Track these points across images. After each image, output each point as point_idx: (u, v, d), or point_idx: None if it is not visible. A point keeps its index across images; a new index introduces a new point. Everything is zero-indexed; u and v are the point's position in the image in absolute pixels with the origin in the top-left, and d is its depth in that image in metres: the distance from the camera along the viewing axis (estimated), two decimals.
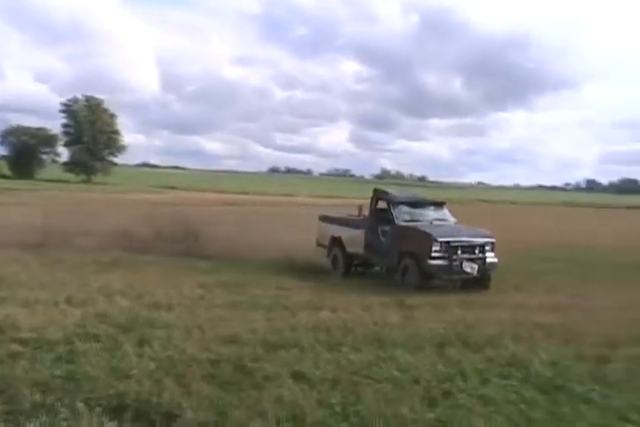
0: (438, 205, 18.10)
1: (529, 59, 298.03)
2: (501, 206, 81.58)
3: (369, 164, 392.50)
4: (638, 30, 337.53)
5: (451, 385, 7.00)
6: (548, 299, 13.33)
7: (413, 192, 20.81)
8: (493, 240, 16.04)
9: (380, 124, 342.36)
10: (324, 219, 19.91)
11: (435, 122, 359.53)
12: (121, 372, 7.11)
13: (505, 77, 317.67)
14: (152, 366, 7.36)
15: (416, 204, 17.85)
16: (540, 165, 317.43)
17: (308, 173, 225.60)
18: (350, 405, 6.27)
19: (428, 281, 15.59)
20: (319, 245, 19.63)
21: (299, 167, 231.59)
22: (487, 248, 15.86)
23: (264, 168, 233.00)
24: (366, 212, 18.51)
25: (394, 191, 18.77)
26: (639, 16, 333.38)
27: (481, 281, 15.75)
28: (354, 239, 17.83)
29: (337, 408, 6.16)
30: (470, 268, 15.38)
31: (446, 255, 15.27)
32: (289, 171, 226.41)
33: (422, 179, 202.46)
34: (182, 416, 5.85)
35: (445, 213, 17.75)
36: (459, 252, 15.42)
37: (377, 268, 18.36)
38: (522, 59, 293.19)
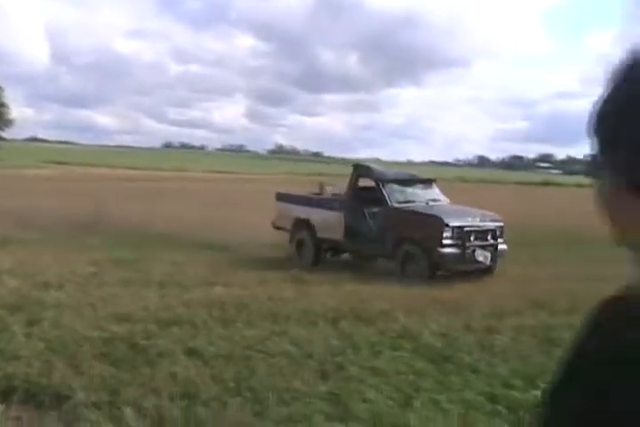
0: (428, 182, 16.36)
1: (421, 37, 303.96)
2: None
3: (264, 139, 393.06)
4: (526, 10, 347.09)
5: (343, 358, 7.10)
6: (440, 273, 13.69)
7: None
8: (503, 224, 14.77)
9: (275, 99, 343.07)
10: (284, 198, 17.42)
11: (329, 97, 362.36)
12: (8, 353, 6.89)
13: (398, 55, 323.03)
14: (41, 346, 7.17)
15: (407, 182, 15.84)
16: (433, 141, 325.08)
17: (203, 148, 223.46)
18: (244, 380, 6.28)
19: (436, 271, 13.93)
20: (278, 228, 17.28)
21: (193, 143, 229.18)
22: (498, 233, 14.51)
23: (158, 143, 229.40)
24: (331, 190, 17.01)
25: (379, 167, 16.88)
26: None
27: (487, 269, 14.29)
28: (328, 222, 15.62)
29: (231, 384, 6.17)
30: (483, 256, 13.88)
31: (459, 242, 13.64)
32: (183, 146, 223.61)
33: (317, 154, 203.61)
34: (73, 397, 5.74)
35: (437, 192, 16.08)
36: (471, 238, 13.87)
37: (347, 255, 16.68)
38: (414, 37, 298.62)
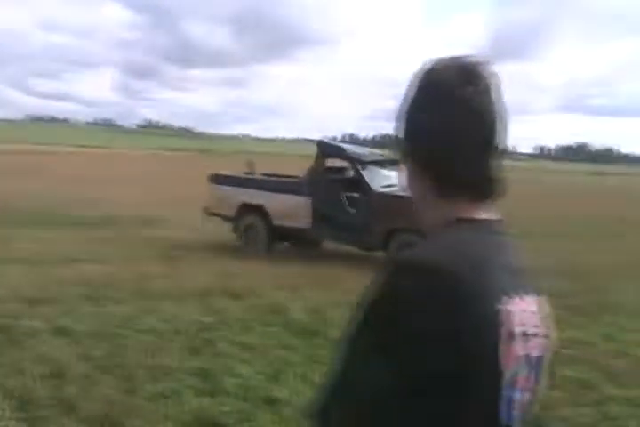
0: (397, 164, 12.93)
1: (293, 13, 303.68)
2: (268, 158, 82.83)
3: (133, 113, 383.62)
4: None
5: (213, 334, 7.21)
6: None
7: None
8: None
9: (145, 73, 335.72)
10: (222, 180, 15.11)
11: (201, 73, 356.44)
12: None
13: (270, 31, 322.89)
14: None
15: (383, 163, 13.86)
16: (303, 118, 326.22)
17: (70, 121, 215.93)
18: (113, 357, 6.28)
19: None
20: (212, 214, 15.10)
21: (60, 116, 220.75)
22: None
23: (22, 116, 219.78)
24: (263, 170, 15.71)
25: (350, 146, 15.05)
26: None
27: None
28: (287, 209, 13.77)
29: (100, 361, 6.16)
30: None
31: None
32: (51, 119, 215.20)
33: (188, 130, 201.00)
34: None
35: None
36: None
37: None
38: (287, 13, 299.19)
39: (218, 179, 15.05)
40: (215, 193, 14.97)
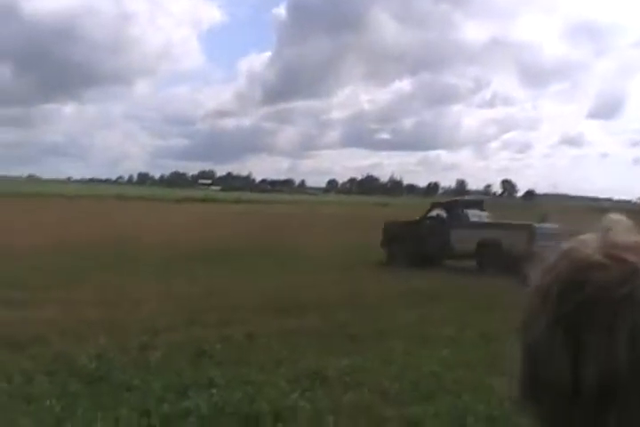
0: None
1: (81, 51, 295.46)
2: (55, 201, 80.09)
3: None
4: (184, 30, 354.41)
5: None
6: (95, 295, 13.61)
7: None
8: None
9: None
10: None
11: None
12: None
13: (57, 68, 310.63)
14: None
15: None
16: (93, 158, 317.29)
17: None
18: None
19: None
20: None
21: None
22: None
23: None
24: None
25: None
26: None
27: None
28: None
29: None
30: None
31: None
32: None
33: None
34: None
35: None
36: None
37: None
38: (73, 50, 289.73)
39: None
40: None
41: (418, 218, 24.02)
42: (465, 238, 21.64)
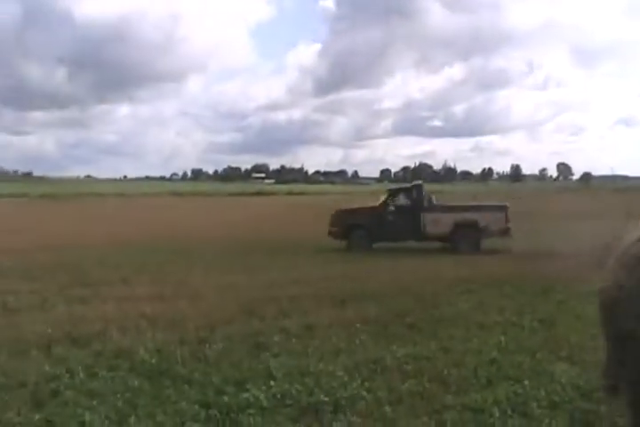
0: None
1: (132, 51, 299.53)
2: (112, 199, 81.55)
3: None
4: (234, 25, 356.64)
5: (58, 384, 7.09)
6: (154, 289, 13.81)
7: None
8: None
9: None
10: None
11: (38, 114, 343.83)
12: None
13: (109, 70, 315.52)
14: None
15: None
16: (147, 156, 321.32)
17: None
18: None
19: None
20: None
21: None
22: None
23: None
24: None
25: None
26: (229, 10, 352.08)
27: None
28: None
29: None
30: None
31: None
32: None
33: (28, 174, 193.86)
34: None
35: None
36: None
37: None
38: (125, 51, 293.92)
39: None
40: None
41: (378, 204, 24.92)
42: (439, 221, 23.59)
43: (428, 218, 23.70)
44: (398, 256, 20.82)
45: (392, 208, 24.13)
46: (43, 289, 14.10)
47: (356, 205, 26.58)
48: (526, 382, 6.90)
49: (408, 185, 26.95)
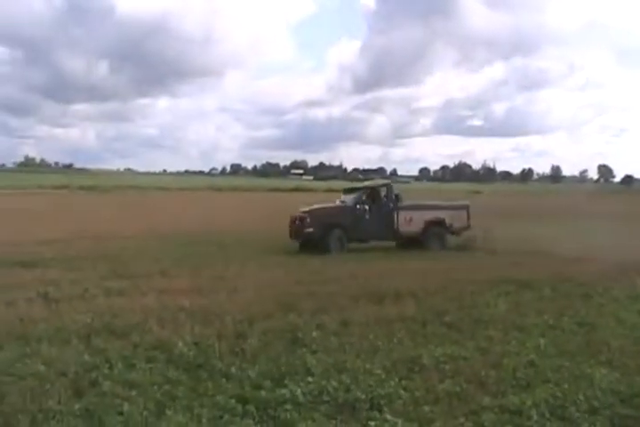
0: None
1: (172, 45, 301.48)
2: (151, 192, 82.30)
3: (11, 152, 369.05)
4: (275, 21, 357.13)
5: (97, 374, 7.18)
6: (192, 282, 13.90)
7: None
8: None
9: (21, 109, 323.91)
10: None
11: (80, 107, 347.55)
12: None
13: (150, 64, 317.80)
14: None
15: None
16: (186, 150, 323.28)
17: None
18: None
19: None
20: None
21: None
22: None
23: None
24: None
25: None
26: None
27: None
28: None
29: None
30: None
31: None
32: None
33: (69, 166, 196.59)
34: None
35: None
36: None
37: None
38: (165, 45, 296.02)
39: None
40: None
41: (338, 202, 24.81)
42: (412, 219, 23.68)
43: (401, 217, 23.60)
44: (425, 255, 20.76)
45: (366, 207, 23.50)
46: (83, 279, 14.29)
47: (321, 205, 25.07)
48: (565, 386, 6.82)
49: (381, 183, 26.65)
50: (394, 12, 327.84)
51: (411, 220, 23.66)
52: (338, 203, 24.93)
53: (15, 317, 10.07)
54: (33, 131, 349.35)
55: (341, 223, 22.92)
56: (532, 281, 13.81)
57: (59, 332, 9.08)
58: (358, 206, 23.43)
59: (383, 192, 24.27)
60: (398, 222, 23.58)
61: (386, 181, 26.70)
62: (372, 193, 24.29)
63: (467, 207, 25.03)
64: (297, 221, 23.12)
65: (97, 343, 8.46)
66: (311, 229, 22.59)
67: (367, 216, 23.29)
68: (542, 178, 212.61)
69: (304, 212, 23.47)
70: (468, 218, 24.49)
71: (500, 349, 8.39)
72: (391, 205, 23.78)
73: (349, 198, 24.46)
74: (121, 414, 5.99)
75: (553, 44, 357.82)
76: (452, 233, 24.27)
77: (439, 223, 24.02)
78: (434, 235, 23.81)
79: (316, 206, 24.32)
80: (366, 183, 27.98)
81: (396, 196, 24.31)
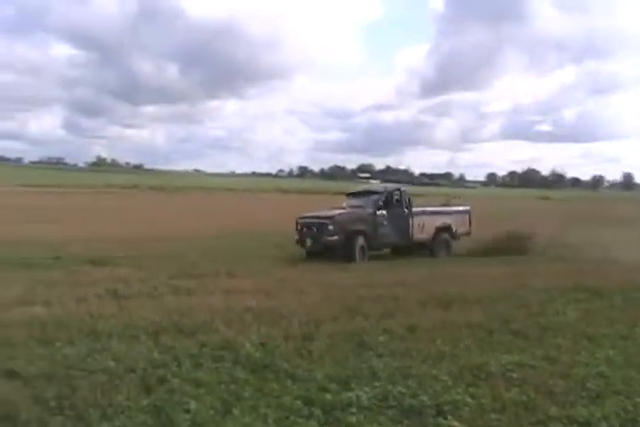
0: None
1: (241, 48, 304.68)
2: (219, 193, 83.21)
3: (83, 151, 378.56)
4: (344, 24, 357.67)
5: (165, 371, 7.27)
6: (259, 283, 14.01)
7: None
8: None
9: (94, 110, 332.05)
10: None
11: (150, 109, 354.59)
12: None
13: (219, 66, 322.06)
14: None
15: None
16: (254, 152, 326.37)
17: (18, 161, 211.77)
18: (65, 398, 6.31)
19: None
20: None
21: (6, 155, 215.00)
22: None
23: None
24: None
25: None
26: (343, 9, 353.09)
27: None
28: None
29: (52, 403, 6.18)
30: None
31: None
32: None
33: (139, 167, 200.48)
34: None
35: None
36: None
37: None
38: (235, 48, 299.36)
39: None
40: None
41: (347, 207, 23.19)
42: (425, 225, 22.93)
43: (415, 223, 22.69)
44: (486, 263, 20.43)
45: (384, 213, 22.18)
46: (151, 278, 14.56)
47: (330, 209, 23.17)
48: (637, 399, 6.62)
49: (391, 188, 24.53)
50: (463, 15, 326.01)
51: (423, 226, 22.87)
52: (347, 208, 23.16)
53: (86, 313, 10.32)
54: (104, 131, 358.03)
55: (365, 230, 21.48)
56: (602, 289, 13.46)
57: (127, 328, 9.26)
58: (378, 213, 22.03)
59: (396, 197, 23.02)
60: (413, 229, 22.68)
61: (397, 186, 25.85)
62: (387, 198, 22.76)
63: (469, 212, 24.73)
64: (310, 228, 21.31)
65: (165, 341, 8.58)
66: (335, 237, 20.76)
67: (385, 222, 22.07)
68: (613, 185, 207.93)
69: (321, 217, 21.64)
70: (470, 223, 24.29)
71: (569, 358, 8.20)
72: (406, 210, 22.71)
73: (361, 203, 23.15)
74: (188, 411, 6.04)
75: (626, 47, 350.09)
76: (454, 238, 23.93)
77: (447, 229, 23.59)
78: (442, 241, 23.37)
79: (335, 211, 22.36)
80: (368, 187, 27.81)
81: (409, 200, 23.16)
